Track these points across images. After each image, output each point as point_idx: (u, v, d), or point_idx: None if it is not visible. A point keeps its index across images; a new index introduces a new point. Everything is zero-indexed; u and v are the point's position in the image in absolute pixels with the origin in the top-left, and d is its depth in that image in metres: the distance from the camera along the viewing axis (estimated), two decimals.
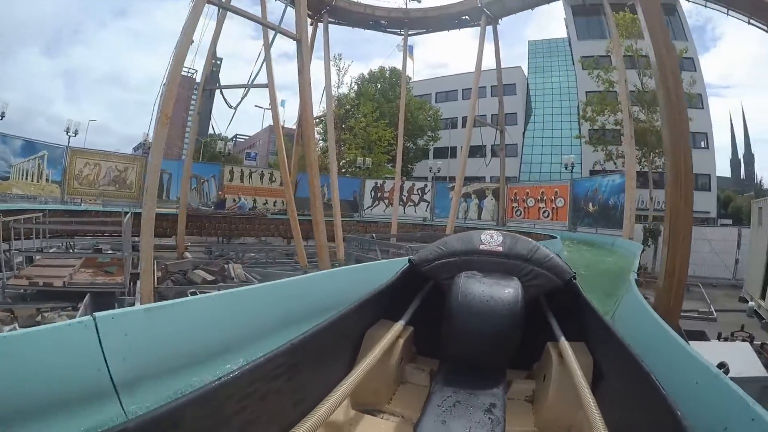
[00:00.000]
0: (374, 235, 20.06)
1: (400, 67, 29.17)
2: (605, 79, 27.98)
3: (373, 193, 31.85)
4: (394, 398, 2.90)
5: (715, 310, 11.80)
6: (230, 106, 18.77)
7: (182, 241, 18.24)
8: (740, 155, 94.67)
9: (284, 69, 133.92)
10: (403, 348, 3.01)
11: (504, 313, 2.73)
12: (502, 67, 27.99)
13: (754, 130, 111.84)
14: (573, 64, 45.09)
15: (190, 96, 60.12)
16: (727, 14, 22.45)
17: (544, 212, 27.89)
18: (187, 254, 17.48)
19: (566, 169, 28.08)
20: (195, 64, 31.50)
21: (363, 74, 46.05)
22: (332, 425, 2.20)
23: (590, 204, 25.18)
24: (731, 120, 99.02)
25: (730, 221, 38.49)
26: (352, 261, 15.30)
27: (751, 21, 22.11)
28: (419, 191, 32.05)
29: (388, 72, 44.76)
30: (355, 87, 43.39)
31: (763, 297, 12.39)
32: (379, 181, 32.46)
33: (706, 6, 22.82)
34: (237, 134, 76.55)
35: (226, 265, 14.27)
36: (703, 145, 38.75)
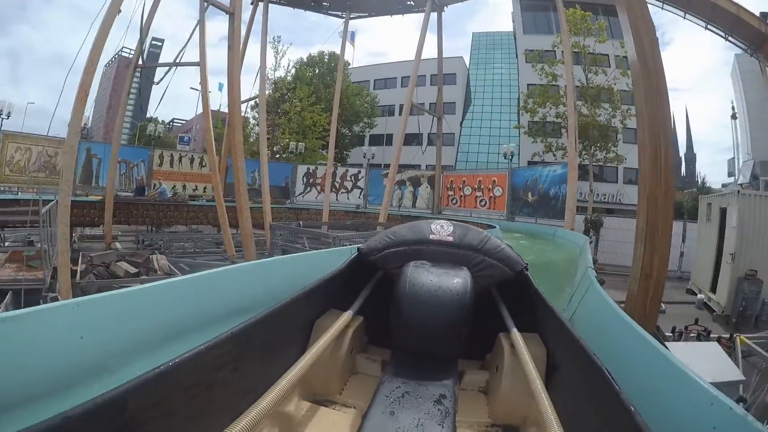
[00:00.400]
0: (301, 222, 19.05)
1: (339, 52, 28.28)
2: (549, 72, 28.33)
3: (305, 179, 30.78)
4: (345, 389, 2.80)
5: (664, 303, 11.77)
6: (154, 83, 17.70)
7: (109, 231, 17.10)
8: (682, 154, 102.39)
9: (225, 53, 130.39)
10: (354, 338, 2.92)
11: (452, 302, 2.70)
12: (443, 56, 27.71)
13: (696, 132, 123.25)
14: (516, 57, 45.78)
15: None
16: (684, 17, 22.68)
17: (481, 201, 27.65)
18: (117, 244, 16.55)
19: (505, 158, 28.01)
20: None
21: (302, 58, 44.92)
22: (282, 415, 2.22)
23: (530, 194, 25.12)
24: (674, 121, 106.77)
25: None
26: (277, 251, 14.40)
27: (709, 26, 22.56)
28: (352, 177, 31.16)
29: (327, 57, 43.94)
30: (293, 71, 42.16)
31: (713, 290, 12.59)
32: (312, 167, 31.36)
33: (663, 8, 22.80)
34: (174, 118, 74.34)
35: (151, 256, 13.52)
36: None
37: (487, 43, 54.76)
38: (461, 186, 28.71)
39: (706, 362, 5.25)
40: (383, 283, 3.41)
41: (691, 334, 8.65)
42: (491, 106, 51.01)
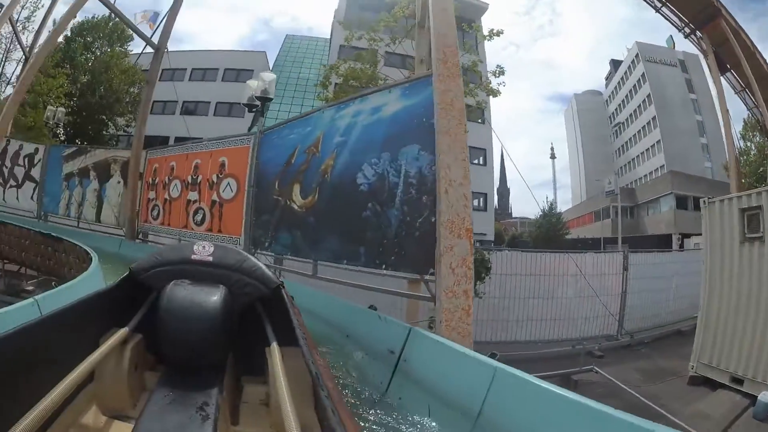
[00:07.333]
0: None
1: None
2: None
3: None
4: (138, 404, 2.79)
5: None
6: None
7: None
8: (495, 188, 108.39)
9: None
10: (134, 354, 2.89)
11: (205, 317, 2.81)
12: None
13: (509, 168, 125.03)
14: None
15: None
16: None
17: (198, 213, 13.58)
18: None
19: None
20: None
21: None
22: (81, 427, 2.40)
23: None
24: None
25: None
26: None
27: None
28: (26, 160, 19.17)
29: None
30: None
31: None
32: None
33: None
34: None
35: None
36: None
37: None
38: (169, 176, 14.34)
39: None
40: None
41: None
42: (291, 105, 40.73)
